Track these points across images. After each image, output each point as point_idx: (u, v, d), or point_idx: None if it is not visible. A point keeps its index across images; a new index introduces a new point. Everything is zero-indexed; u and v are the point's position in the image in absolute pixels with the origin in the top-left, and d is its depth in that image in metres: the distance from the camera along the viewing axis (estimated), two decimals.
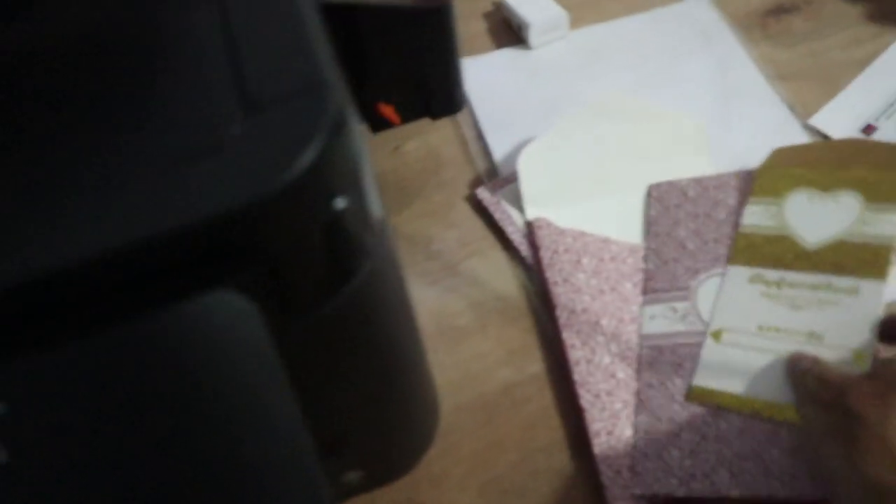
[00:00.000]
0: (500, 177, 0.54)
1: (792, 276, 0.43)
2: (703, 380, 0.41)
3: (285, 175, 0.21)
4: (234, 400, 0.22)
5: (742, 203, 0.48)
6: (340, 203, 0.23)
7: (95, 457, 0.21)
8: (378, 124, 0.45)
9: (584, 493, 0.40)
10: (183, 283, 0.20)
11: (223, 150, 0.21)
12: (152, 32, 0.25)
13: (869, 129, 0.54)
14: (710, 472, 0.38)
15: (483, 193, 0.53)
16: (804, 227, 0.44)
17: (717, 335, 0.42)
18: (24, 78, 0.25)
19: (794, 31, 0.62)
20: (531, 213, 0.50)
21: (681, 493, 0.38)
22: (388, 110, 0.44)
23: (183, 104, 0.22)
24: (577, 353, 0.43)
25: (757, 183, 0.48)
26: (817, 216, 0.45)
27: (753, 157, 0.50)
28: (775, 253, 0.44)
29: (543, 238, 0.48)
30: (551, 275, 0.47)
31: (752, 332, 0.42)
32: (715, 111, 0.57)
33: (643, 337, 0.44)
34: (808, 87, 0.57)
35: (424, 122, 0.46)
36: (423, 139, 0.57)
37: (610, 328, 0.44)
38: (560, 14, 0.62)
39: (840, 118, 0.55)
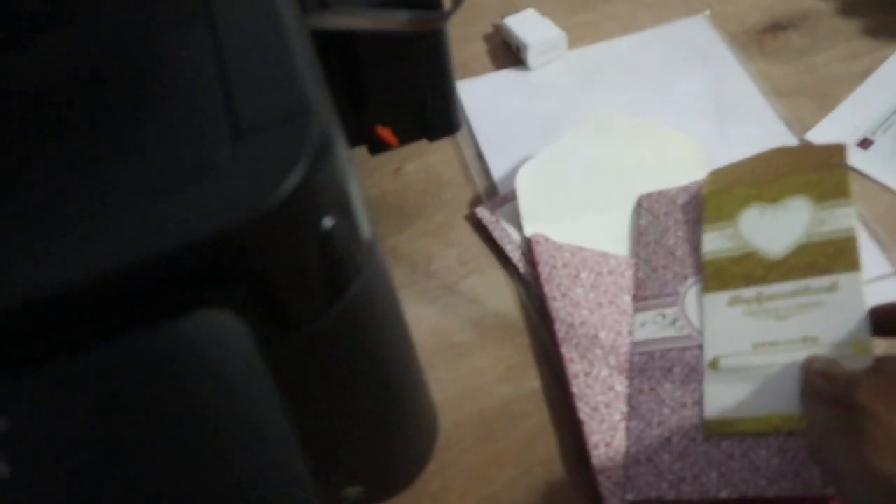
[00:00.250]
0: (499, 195, 0.54)
1: (767, 289, 0.43)
2: (714, 412, 0.40)
3: (273, 196, 0.21)
4: (225, 417, 0.23)
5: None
6: (328, 222, 0.24)
7: (92, 472, 0.22)
8: (377, 146, 0.46)
9: None
10: (175, 303, 0.21)
11: (213, 173, 0.22)
12: (146, 60, 0.26)
13: (865, 142, 0.55)
14: (699, 474, 0.38)
15: (482, 212, 0.53)
16: (765, 240, 0.45)
17: (713, 364, 0.42)
18: (19, 103, 0.26)
19: (791, 47, 0.63)
20: (529, 229, 0.51)
21: (671, 496, 0.38)
22: (385, 132, 0.45)
23: (175, 129, 0.24)
24: (575, 366, 0.44)
25: (706, 211, 0.48)
26: (774, 227, 0.45)
27: None
28: (744, 271, 0.44)
29: (542, 253, 0.49)
30: (550, 290, 0.47)
31: (747, 352, 0.41)
32: (712, 128, 0.57)
33: (634, 344, 0.45)
34: (804, 102, 0.58)
35: (424, 144, 0.47)
36: (424, 160, 0.58)
37: (608, 341, 0.45)
38: (558, 35, 0.63)
39: (836, 133, 0.55)
